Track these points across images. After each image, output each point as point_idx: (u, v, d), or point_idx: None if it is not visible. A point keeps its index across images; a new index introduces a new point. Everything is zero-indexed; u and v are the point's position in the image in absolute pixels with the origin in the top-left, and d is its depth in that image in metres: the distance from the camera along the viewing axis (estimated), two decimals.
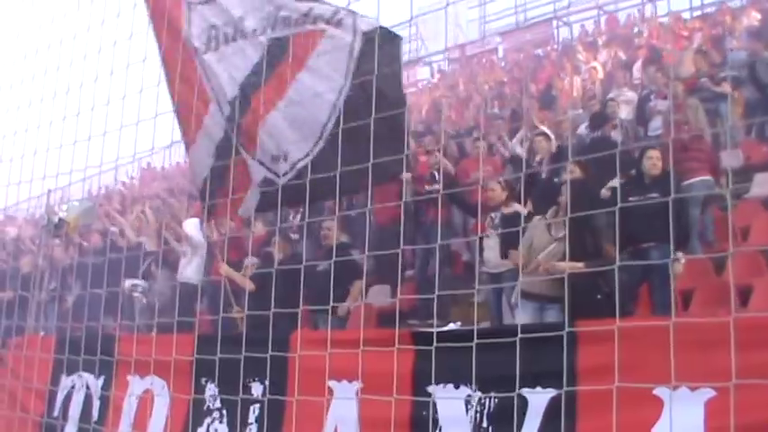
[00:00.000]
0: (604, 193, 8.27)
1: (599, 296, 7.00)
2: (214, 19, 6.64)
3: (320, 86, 6.18)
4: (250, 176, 6.73)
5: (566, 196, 7.28)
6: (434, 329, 4.94)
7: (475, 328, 4.31)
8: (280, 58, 6.30)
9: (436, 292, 5.25)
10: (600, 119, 11.34)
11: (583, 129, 11.90)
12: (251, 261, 9.54)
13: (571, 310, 6.77)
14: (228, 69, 6.56)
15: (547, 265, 7.25)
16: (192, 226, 11.68)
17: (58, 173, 8.22)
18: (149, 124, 6.86)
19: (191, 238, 11.31)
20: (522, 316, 7.50)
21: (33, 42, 8.61)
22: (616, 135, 10.94)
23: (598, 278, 6.76)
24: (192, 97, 6.69)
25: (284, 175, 6.43)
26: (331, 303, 6.44)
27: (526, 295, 7.58)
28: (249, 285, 8.80)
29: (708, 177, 9.23)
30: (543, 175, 9.81)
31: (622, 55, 17.77)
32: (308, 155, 6.27)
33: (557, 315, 7.08)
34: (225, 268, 8.87)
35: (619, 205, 4.31)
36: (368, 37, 6.02)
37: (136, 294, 10.96)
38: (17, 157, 8.77)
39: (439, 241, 7.29)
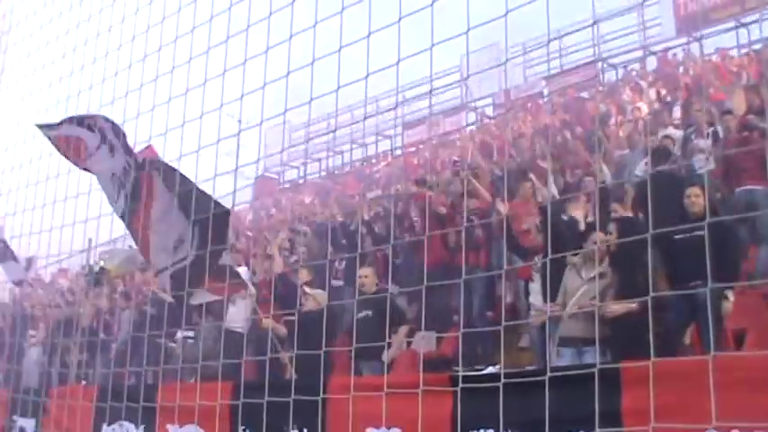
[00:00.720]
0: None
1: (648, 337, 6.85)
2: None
3: None
4: None
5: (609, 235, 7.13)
6: (460, 372, 4.75)
7: (502, 370, 4.16)
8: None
9: (461, 329, 5.00)
10: (661, 154, 11.15)
11: (642, 166, 11.70)
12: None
13: (616, 352, 6.64)
14: None
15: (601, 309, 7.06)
16: (242, 273, 11.70)
17: (100, 215, 8.31)
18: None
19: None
20: (562, 361, 7.32)
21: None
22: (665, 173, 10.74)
23: (645, 318, 6.58)
24: None
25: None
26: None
27: (564, 340, 7.42)
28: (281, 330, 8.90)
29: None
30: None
31: (668, 94, 17.57)
32: None
33: (594, 357, 6.89)
34: (268, 323, 9.24)
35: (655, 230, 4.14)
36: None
37: (190, 341, 10.89)
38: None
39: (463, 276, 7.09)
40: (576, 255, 7.73)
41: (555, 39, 25.77)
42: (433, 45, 4.41)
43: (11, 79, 8.70)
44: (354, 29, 5.04)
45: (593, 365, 4.35)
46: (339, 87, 5.12)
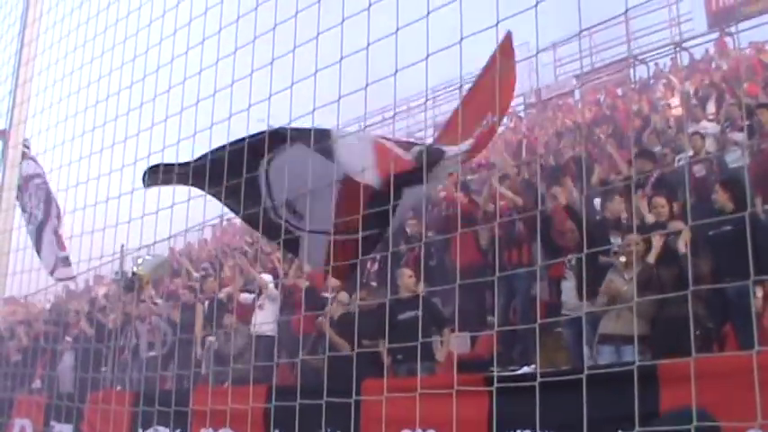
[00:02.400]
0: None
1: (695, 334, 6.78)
2: None
3: None
4: None
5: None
6: (495, 372, 4.66)
7: (537, 370, 4.08)
8: None
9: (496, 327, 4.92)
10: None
11: (676, 164, 11.57)
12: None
13: (655, 350, 6.54)
14: None
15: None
16: (270, 278, 11.76)
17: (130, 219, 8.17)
18: None
19: (270, 291, 11.36)
20: (601, 359, 7.24)
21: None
22: (699, 169, 10.62)
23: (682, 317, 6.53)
24: None
25: None
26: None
27: (604, 338, 7.36)
28: (345, 346, 8.84)
29: None
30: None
31: (700, 89, 17.36)
32: None
33: (633, 356, 6.80)
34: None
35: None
36: None
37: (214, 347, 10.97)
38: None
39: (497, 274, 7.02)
40: (619, 256, 7.69)
41: (585, 36, 25.51)
42: (462, 39, 4.33)
43: (39, 87, 8.71)
44: (382, 26, 4.99)
45: (631, 363, 4.23)
46: (367, 85, 5.05)
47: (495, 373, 5.35)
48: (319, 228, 6.56)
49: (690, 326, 6.33)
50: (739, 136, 11.28)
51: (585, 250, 4.47)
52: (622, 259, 7.65)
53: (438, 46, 4.68)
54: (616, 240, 8.49)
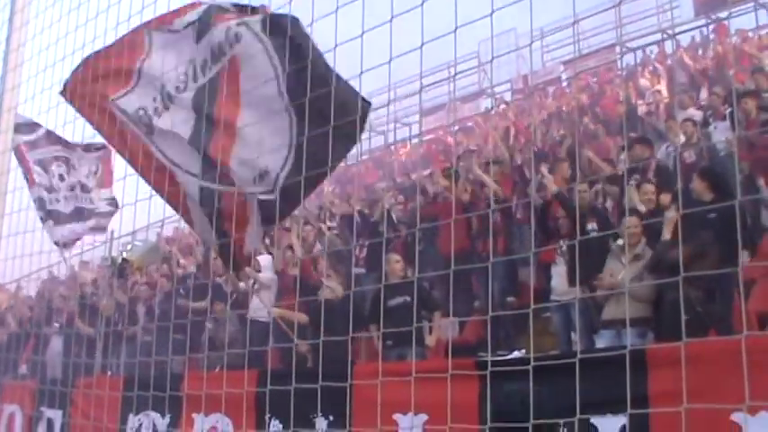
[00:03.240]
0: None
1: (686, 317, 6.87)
2: (138, 103, 6.67)
3: (264, 106, 5.98)
4: (246, 210, 6.49)
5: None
6: (488, 357, 4.73)
7: (532, 354, 4.15)
8: (213, 101, 6.22)
9: (490, 313, 5.00)
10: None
11: (664, 150, 11.66)
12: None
13: (655, 334, 6.64)
14: (174, 138, 6.47)
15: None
16: (265, 262, 11.71)
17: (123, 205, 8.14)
18: None
19: (264, 276, 11.35)
20: (600, 343, 7.36)
21: None
22: (689, 155, 10.69)
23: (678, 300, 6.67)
24: (164, 178, 6.61)
25: (273, 188, 6.16)
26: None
27: (607, 323, 7.50)
28: (302, 318, 8.95)
29: None
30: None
31: (686, 78, 17.45)
32: (285, 163, 6.03)
33: (633, 339, 6.89)
34: (276, 311, 9.24)
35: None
36: (272, 31, 5.87)
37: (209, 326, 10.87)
38: None
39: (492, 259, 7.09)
40: (617, 240, 7.80)
41: (573, 23, 25.56)
42: (456, 28, 4.37)
43: (29, 73, 8.64)
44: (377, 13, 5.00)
45: (622, 348, 4.31)
46: (362, 72, 5.10)
47: (488, 358, 5.43)
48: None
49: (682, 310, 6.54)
50: (721, 125, 11.40)
51: (579, 236, 4.53)
52: (620, 242, 7.76)
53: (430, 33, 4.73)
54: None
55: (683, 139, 11.11)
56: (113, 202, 11.20)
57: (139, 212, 7.47)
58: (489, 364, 4.77)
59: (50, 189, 10.88)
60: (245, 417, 6.94)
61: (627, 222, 7.63)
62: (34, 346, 13.94)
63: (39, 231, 10.91)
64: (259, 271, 10.98)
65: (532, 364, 3.86)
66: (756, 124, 9.97)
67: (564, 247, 8.61)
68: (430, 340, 8.98)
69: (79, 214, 11.09)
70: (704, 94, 15.14)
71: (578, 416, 3.69)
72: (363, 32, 4.90)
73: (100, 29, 7.33)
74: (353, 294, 8.55)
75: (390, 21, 4.71)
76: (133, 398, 8.30)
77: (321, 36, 5.69)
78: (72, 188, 11.02)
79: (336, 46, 5.26)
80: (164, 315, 10.96)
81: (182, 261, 15.03)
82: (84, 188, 11.18)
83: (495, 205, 9.66)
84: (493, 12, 4.08)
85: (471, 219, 10.34)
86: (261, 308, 10.51)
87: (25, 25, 8.15)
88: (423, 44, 4.51)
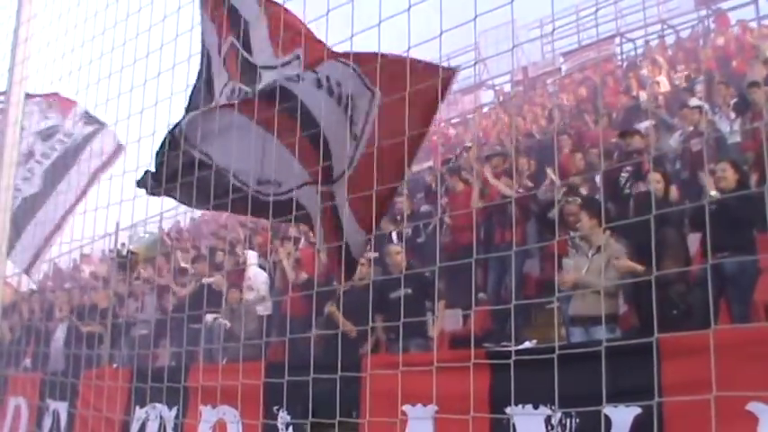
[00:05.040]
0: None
1: (675, 311, 6.91)
2: None
3: None
4: None
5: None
6: (497, 348, 4.73)
7: (557, 343, 4.15)
8: None
9: (513, 302, 5.00)
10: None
11: (677, 137, 11.67)
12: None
13: (644, 327, 6.64)
14: None
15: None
16: (252, 258, 11.71)
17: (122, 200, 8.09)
18: None
19: (254, 273, 11.36)
20: (573, 340, 7.40)
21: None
22: (697, 144, 10.69)
23: (672, 294, 6.84)
24: None
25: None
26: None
27: (574, 320, 7.54)
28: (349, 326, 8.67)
29: None
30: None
31: (686, 69, 17.44)
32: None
33: (602, 335, 6.89)
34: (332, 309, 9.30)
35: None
36: None
37: (220, 321, 10.84)
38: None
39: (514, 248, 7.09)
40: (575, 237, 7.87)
41: (572, 14, 25.62)
42: (449, 26, 4.37)
43: (31, 69, 8.59)
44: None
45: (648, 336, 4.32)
46: None
47: (499, 349, 5.43)
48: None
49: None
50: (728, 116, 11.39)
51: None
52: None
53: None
54: None
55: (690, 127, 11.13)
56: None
57: (138, 208, 7.41)
58: (513, 353, 4.76)
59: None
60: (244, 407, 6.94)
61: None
62: (37, 339, 13.92)
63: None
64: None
65: (557, 352, 3.85)
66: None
67: (576, 239, 8.60)
68: (433, 331, 8.92)
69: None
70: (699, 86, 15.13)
71: (604, 404, 3.66)
72: (353, 35, 4.91)
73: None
74: (361, 287, 8.50)
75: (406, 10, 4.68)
76: (140, 389, 8.31)
77: (320, 35, 5.68)
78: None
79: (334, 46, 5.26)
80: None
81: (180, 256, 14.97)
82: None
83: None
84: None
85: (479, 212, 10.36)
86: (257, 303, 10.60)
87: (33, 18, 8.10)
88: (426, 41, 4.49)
